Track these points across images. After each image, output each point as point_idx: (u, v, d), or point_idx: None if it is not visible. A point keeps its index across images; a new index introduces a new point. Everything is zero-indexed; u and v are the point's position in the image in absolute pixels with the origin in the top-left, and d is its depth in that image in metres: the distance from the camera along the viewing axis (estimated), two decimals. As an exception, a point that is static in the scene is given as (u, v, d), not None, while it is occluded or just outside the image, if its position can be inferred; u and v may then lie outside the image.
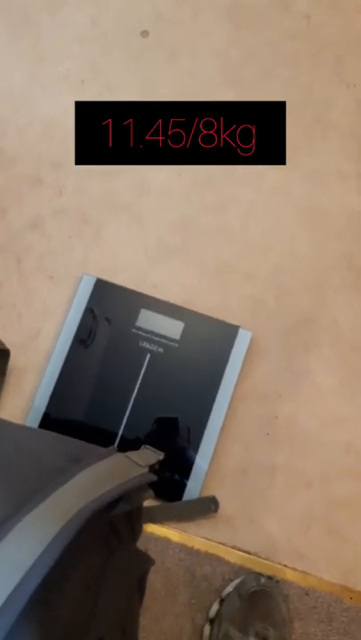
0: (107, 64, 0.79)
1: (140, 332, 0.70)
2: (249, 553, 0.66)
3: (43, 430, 0.52)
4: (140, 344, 0.70)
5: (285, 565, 0.66)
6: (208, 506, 0.67)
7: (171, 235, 0.75)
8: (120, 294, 0.72)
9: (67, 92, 0.78)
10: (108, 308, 0.71)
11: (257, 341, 0.71)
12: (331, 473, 0.68)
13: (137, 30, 0.80)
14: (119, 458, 0.46)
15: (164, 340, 0.70)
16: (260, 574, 0.63)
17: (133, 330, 0.70)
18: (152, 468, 0.49)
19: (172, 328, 0.71)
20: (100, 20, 0.81)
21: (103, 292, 0.72)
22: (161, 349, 0.70)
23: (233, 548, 0.66)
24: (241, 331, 0.70)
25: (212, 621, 0.63)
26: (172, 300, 0.71)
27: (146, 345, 0.70)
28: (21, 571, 0.31)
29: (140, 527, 0.50)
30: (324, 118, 0.78)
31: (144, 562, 0.49)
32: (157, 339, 0.70)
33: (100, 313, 0.71)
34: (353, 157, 0.76)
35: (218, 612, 0.63)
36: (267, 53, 0.80)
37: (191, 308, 0.71)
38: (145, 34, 0.80)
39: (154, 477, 0.46)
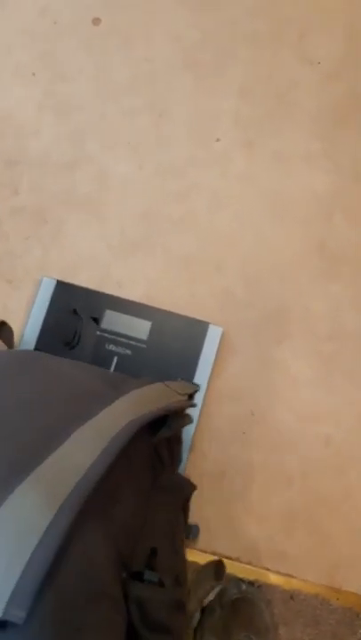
0: (58, 54, 0.77)
1: (106, 334, 0.68)
2: (230, 558, 0.64)
3: (83, 363, 0.55)
4: (107, 347, 0.68)
5: (268, 569, 0.63)
6: (187, 532, 0.63)
7: (134, 227, 0.72)
8: (82, 296, 0.69)
9: (17, 86, 0.76)
10: (70, 311, 0.68)
11: (228, 336, 0.68)
12: (311, 468, 0.66)
13: (88, 17, 0.77)
14: (158, 385, 0.49)
15: (131, 342, 0.68)
16: (242, 580, 0.61)
17: (98, 332, 0.68)
18: (190, 398, 0.52)
19: (138, 328, 0.68)
20: (49, 8, 0.78)
21: (65, 295, 0.69)
22: (128, 351, 0.68)
23: (213, 554, 0.64)
24: (211, 327, 0.68)
25: (194, 631, 0.61)
26: (138, 298, 0.69)
27: (112, 347, 0.68)
28: (83, 468, 0.34)
29: (180, 454, 0.54)
30: (289, 98, 0.75)
31: (186, 486, 0.52)
32: (124, 340, 0.68)
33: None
34: (319, 136, 0.74)
35: (200, 622, 0.61)
36: (226, 34, 0.77)
37: (158, 306, 0.68)
38: (97, 21, 0.77)
39: (194, 404, 0.49)
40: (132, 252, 0.71)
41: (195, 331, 0.68)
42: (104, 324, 0.68)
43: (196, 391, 0.55)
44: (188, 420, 0.51)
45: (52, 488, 0.33)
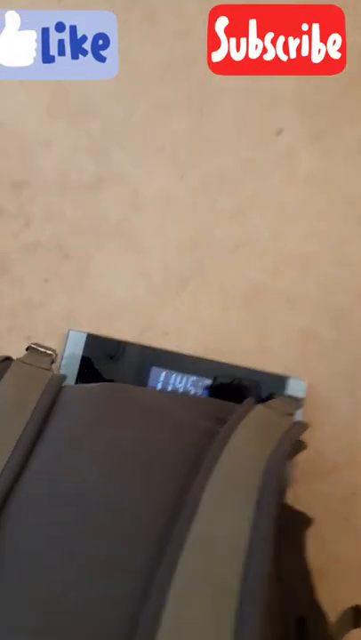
0: (67, 42, 0.64)
1: (155, 399, 0.56)
2: None
3: (172, 392, 0.52)
4: (157, 413, 0.56)
5: None
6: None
7: (179, 258, 0.59)
8: (120, 351, 0.57)
9: (19, 87, 0.64)
10: (107, 371, 0.57)
11: (315, 391, 0.55)
12: None
13: (100, -9, 0.65)
14: (263, 410, 0.44)
15: (187, 405, 0.56)
16: None
17: (145, 396, 0.56)
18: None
19: (195, 389, 0.56)
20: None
21: (98, 351, 0.57)
22: (185, 418, 0.56)
23: None
24: (291, 381, 0.55)
25: None
26: (191, 350, 0.56)
27: (164, 414, 0.56)
28: (242, 547, 0.29)
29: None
30: (368, 69, 0.60)
31: (302, 520, 0.47)
32: (179, 403, 0.56)
33: (100, 368, 0.57)
34: None
35: None
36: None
37: (218, 359, 0.56)
38: (111, -6, 0.64)
39: (307, 425, 0.44)
40: (180, 291, 0.58)
41: (270, 387, 0.55)
42: (151, 385, 0.56)
43: (300, 407, 0.49)
44: (303, 445, 0.46)
45: (215, 593, 0.26)
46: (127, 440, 0.39)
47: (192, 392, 0.56)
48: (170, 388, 0.56)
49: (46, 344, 0.57)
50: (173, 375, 0.56)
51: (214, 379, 0.55)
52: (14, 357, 0.51)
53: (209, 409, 0.46)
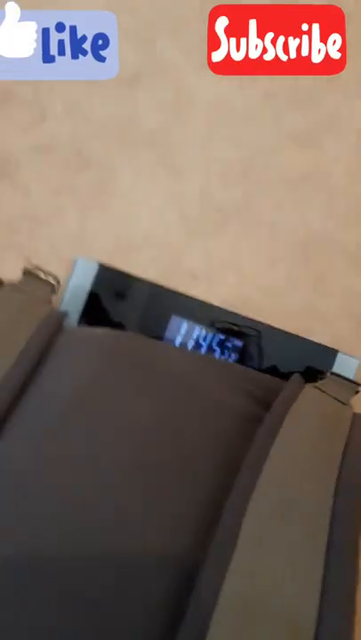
0: None
1: (171, 354, 0.46)
2: None
3: (198, 354, 0.44)
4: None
5: None
6: None
7: (224, 186, 0.48)
8: (137, 290, 0.47)
9: None
10: (119, 313, 0.47)
11: (367, 375, 0.45)
12: None
13: None
14: (316, 396, 0.35)
15: (209, 368, 0.46)
16: None
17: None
18: None
19: (221, 349, 0.46)
20: None
21: (110, 286, 0.47)
22: (204, 383, 0.46)
23: None
24: (341, 357, 0.44)
25: None
26: (222, 301, 0.46)
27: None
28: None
29: None
30: None
31: None
32: (199, 364, 0.46)
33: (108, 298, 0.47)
34: None
35: None
36: None
37: (254, 316, 0.46)
38: None
39: None
40: (220, 228, 0.47)
41: (314, 361, 0.45)
42: (168, 336, 0.47)
43: (357, 392, 0.40)
44: None
45: None
46: (139, 417, 0.30)
47: (217, 352, 0.46)
48: (191, 344, 0.46)
49: (48, 269, 0.47)
50: (197, 329, 0.46)
51: (244, 338, 0.45)
52: (6, 281, 0.42)
53: (242, 382, 0.36)
